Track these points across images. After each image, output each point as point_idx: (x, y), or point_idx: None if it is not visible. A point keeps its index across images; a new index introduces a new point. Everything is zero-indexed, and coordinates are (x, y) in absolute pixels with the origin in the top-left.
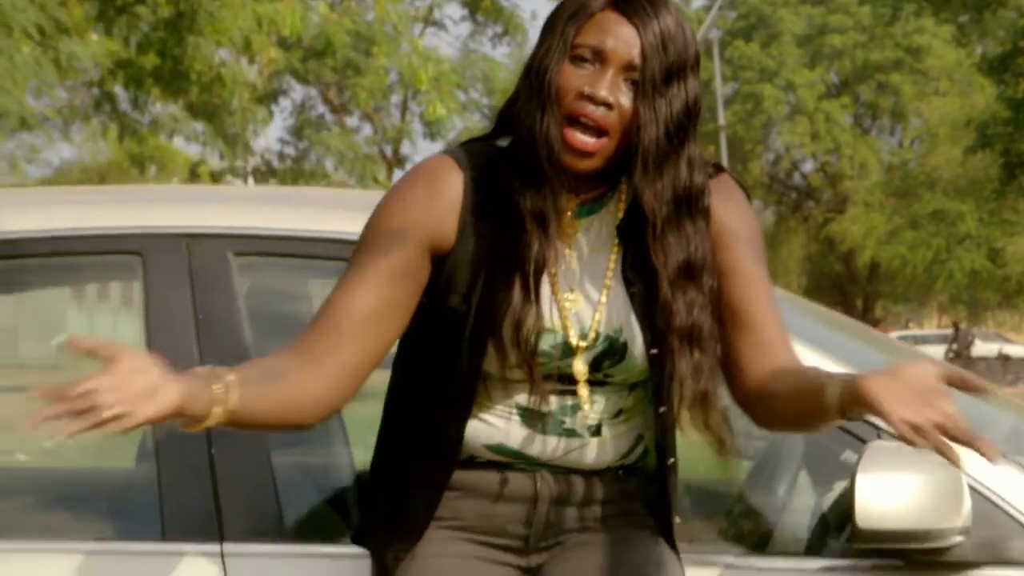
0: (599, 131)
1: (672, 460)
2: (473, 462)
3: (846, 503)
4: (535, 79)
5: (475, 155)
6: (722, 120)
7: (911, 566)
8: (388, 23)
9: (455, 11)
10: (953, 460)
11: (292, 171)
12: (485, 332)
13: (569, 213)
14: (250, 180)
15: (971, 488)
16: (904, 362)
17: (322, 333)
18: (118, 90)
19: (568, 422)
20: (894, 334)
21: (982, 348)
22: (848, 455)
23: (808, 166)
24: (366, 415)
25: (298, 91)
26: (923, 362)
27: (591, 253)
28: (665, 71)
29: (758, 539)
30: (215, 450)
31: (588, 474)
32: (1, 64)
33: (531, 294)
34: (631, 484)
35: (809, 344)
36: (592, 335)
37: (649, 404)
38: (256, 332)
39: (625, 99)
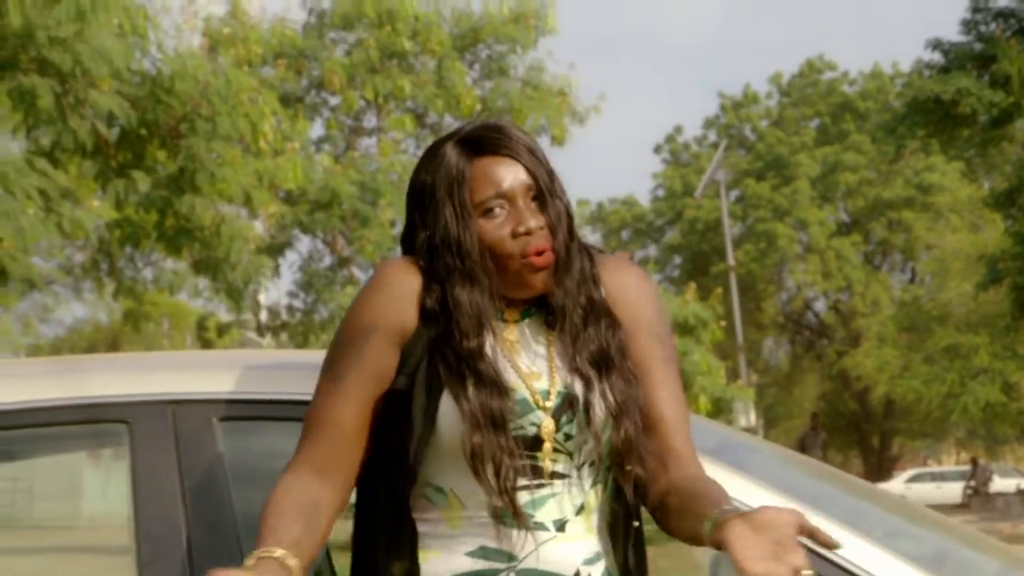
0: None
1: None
2: None
3: None
4: (456, 253)
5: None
6: (731, 260)
7: None
8: (393, 173)
9: None
10: None
11: (302, 324)
12: (428, 417)
13: (514, 321)
14: (267, 337)
15: None
16: (765, 508)
17: (325, 447)
18: (117, 247)
19: (537, 515)
20: (912, 471)
21: (1000, 484)
22: None
23: (820, 304)
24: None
25: (305, 242)
26: (783, 511)
27: (534, 343)
28: (548, 173)
29: None
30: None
31: None
32: (7, 227)
33: (485, 380)
34: None
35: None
36: (552, 393)
37: (608, 515)
38: (241, 495)
39: (543, 216)
